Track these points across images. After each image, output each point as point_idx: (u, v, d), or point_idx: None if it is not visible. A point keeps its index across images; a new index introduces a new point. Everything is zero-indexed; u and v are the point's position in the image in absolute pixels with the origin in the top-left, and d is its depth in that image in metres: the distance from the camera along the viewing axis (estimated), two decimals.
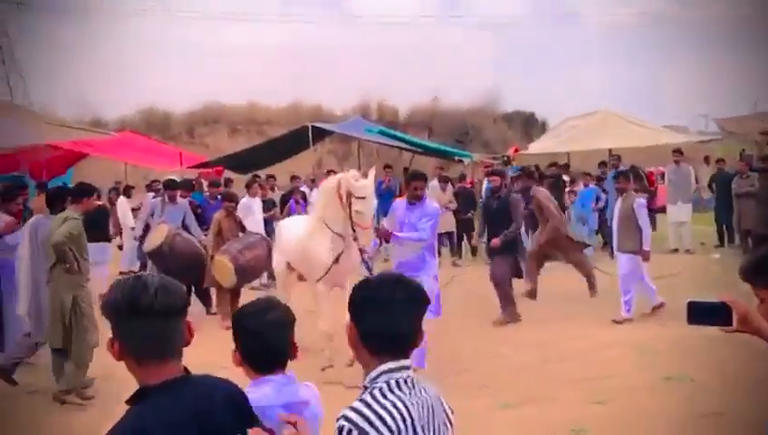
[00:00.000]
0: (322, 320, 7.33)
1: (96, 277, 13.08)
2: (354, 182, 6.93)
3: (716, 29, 59.63)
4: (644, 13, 58.64)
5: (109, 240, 13.37)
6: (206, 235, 10.02)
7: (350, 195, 6.91)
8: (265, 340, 2.43)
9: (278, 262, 8.35)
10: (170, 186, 10.54)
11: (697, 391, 5.98)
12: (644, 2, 57.48)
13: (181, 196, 10.87)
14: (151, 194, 13.54)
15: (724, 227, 15.06)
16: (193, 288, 9.65)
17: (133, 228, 13.11)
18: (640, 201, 9.19)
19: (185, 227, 10.02)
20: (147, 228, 10.69)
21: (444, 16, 53.74)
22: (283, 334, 2.47)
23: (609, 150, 17.89)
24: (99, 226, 13.11)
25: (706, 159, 21.21)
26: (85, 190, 7.05)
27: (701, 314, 2.38)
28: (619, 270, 9.24)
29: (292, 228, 8.07)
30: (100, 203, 13.69)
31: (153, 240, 9.66)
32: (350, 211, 6.92)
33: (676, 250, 14.84)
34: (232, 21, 54.65)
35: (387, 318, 2.07)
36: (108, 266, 13.26)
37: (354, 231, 7.02)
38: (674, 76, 57.33)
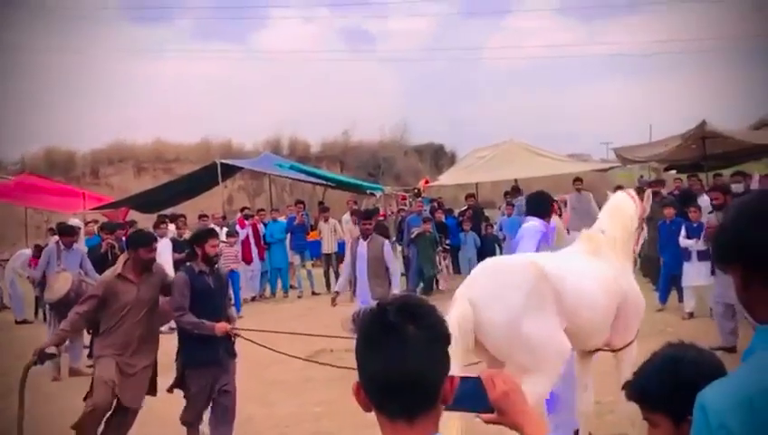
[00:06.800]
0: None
1: None
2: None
3: (618, 60, 62.79)
4: (548, 46, 61.07)
5: None
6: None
7: (643, 219, 5.86)
8: None
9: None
10: (65, 232, 10.21)
11: (604, 413, 6.17)
12: (548, 35, 59.93)
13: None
14: (27, 250, 14.50)
15: None
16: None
17: (29, 277, 13.07)
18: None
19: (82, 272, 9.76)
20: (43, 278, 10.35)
21: (353, 51, 54.45)
22: None
23: (515, 180, 18.42)
24: None
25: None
26: None
27: (457, 396, 1.54)
28: None
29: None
30: None
31: (58, 289, 9.30)
32: (638, 238, 5.78)
33: None
34: (138, 57, 53.68)
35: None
36: None
37: None
38: (577, 106, 59.87)
